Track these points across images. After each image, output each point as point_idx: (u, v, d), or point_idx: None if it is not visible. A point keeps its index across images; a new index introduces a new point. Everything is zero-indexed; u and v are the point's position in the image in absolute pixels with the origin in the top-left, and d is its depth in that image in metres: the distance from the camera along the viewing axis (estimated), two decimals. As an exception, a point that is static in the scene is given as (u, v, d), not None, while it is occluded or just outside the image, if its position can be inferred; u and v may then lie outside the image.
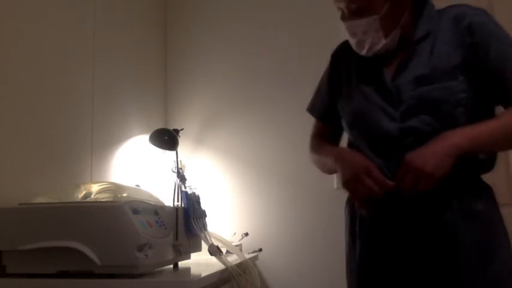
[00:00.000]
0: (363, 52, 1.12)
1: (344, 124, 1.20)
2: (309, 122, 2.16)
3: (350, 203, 1.20)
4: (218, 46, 2.36)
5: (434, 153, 0.95)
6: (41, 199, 1.29)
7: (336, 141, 1.31)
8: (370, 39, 1.09)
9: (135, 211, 1.19)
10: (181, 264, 1.44)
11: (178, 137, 1.98)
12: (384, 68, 1.11)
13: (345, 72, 1.22)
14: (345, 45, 1.24)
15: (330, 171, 1.25)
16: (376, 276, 1.09)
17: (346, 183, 1.05)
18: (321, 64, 2.23)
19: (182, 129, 2.09)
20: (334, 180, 2.10)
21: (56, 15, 1.60)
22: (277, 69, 2.25)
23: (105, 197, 1.31)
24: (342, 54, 1.26)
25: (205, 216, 1.58)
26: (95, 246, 1.14)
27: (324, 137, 1.31)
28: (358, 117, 1.13)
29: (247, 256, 1.78)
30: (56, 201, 1.29)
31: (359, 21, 1.08)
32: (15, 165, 1.38)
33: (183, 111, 2.36)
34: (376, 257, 1.09)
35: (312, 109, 1.34)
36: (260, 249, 2.10)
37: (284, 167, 2.18)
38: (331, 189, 2.10)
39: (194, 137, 2.31)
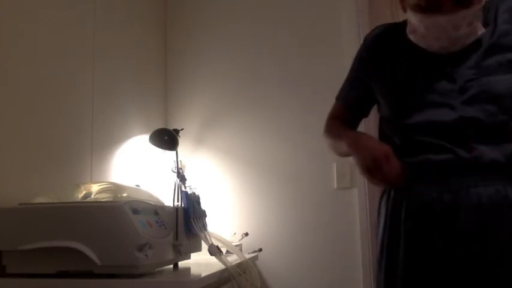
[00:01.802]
0: (456, 47, 1.05)
1: (388, 112, 1.15)
2: (309, 122, 2.18)
3: (390, 194, 1.15)
4: (218, 46, 2.36)
5: None
6: (41, 199, 1.29)
7: (354, 127, 1.29)
8: (470, 30, 1.03)
9: (135, 211, 1.19)
10: (181, 264, 1.44)
11: (178, 137, 1.98)
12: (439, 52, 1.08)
13: (389, 56, 1.17)
14: (384, 29, 1.21)
15: (345, 155, 1.20)
16: (425, 270, 1.04)
17: (365, 171, 1.03)
18: (321, 64, 2.25)
19: (182, 129, 2.09)
20: (334, 180, 2.10)
21: (56, 15, 1.60)
22: (277, 69, 2.25)
23: (105, 197, 1.31)
24: (382, 38, 1.21)
25: (205, 216, 1.58)
26: (95, 246, 1.13)
27: (343, 121, 1.28)
28: (410, 104, 1.09)
29: (247, 256, 1.78)
30: (56, 201, 1.29)
31: (466, 11, 1.00)
32: (15, 165, 1.38)
33: (183, 111, 2.36)
34: (424, 250, 1.05)
35: (339, 97, 1.30)
36: (260, 249, 2.10)
37: (284, 167, 2.18)
38: (331, 189, 2.10)
39: (194, 137, 2.31)
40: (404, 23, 1.16)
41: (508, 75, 1.02)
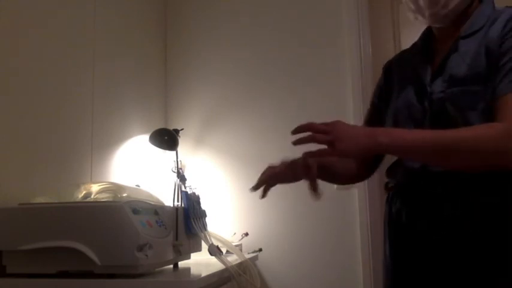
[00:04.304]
0: (435, 9, 1.04)
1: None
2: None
3: (387, 202, 1.18)
4: (218, 46, 2.36)
5: (355, 136, 0.96)
6: (41, 199, 1.29)
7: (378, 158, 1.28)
8: None
9: (135, 211, 1.19)
10: (181, 264, 1.44)
11: (178, 137, 1.98)
12: (427, 64, 1.08)
13: (396, 76, 1.20)
14: (398, 55, 1.25)
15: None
16: (406, 274, 1.08)
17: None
18: (321, 64, 2.25)
19: (182, 129, 2.09)
20: (334, 180, 2.10)
21: (56, 15, 1.60)
22: (277, 69, 2.25)
23: (105, 197, 1.31)
24: (396, 61, 1.24)
25: (205, 216, 1.58)
26: (95, 246, 1.14)
27: None
28: (396, 119, 1.12)
29: (247, 256, 1.78)
30: (56, 201, 1.30)
31: None
32: (15, 165, 1.38)
33: (183, 111, 2.36)
34: (403, 257, 1.09)
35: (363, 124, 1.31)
36: (260, 249, 2.10)
37: (284, 167, 2.17)
38: (331, 189, 2.10)
39: (194, 137, 2.31)
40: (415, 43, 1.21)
41: (477, 87, 0.97)
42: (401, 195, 1.11)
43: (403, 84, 1.14)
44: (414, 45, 1.22)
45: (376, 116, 1.24)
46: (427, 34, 1.17)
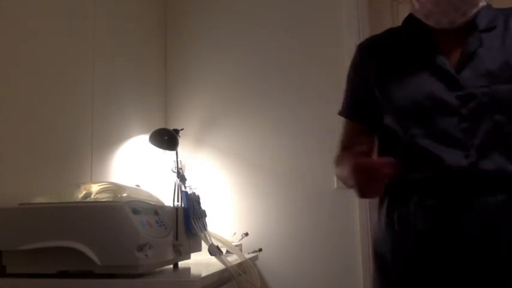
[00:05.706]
0: (455, 16, 1.04)
1: (391, 118, 1.10)
2: (309, 122, 2.18)
3: (385, 203, 1.13)
4: (218, 46, 2.36)
5: None
6: (41, 199, 1.29)
7: (369, 144, 1.19)
8: (467, 5, 1.04)
9: (135, 211, 1.19)
10: (181, 264, 1.44)
11: (178, 137, 1.98)
12: (441, 55, 1.05)
13: (386, 61, 1.13)
14: (377, 37, 1.20)
15: (348, 186, 1.08)
16: (421, 274, 1.04)
17: (357, 188, 0.97)
18: (321, 64, 2.25)
19: (182, 129, 2.09)
20: (334, 180, 2.10)
21: (56, 15, 1.60)
22: (277, 69, 2.25)
23: (105, 197, 1.31)
24: (377, 44, 1.18)
25: (205, 216, 1.58)
26: (95, 246, 1.14)
27: (357, 138, 1.19)
28: (414, 109, 1.05)
29: (247, 256, 1.78)
30: (56, 201, 1.29)
31: None
32: (15, 165, 1.38)
33: (183, 111, 2.36)
34: (430, 253, 1.03)
35: (342, 111, 1.23)
36: (260, 249, 2.10)
37: (284, 167, 2.18)
38: (331, 189, 2.10)
39: (194, 137, 2.31)
40: (392, 29, 1.18)
41: None
42: (433, 195, 1.02)
43: (408, 74, 1.08)
44: (390, 31, 1.18)
45: (364, 94, 1.16)
46: (417, 23, 1.12)
